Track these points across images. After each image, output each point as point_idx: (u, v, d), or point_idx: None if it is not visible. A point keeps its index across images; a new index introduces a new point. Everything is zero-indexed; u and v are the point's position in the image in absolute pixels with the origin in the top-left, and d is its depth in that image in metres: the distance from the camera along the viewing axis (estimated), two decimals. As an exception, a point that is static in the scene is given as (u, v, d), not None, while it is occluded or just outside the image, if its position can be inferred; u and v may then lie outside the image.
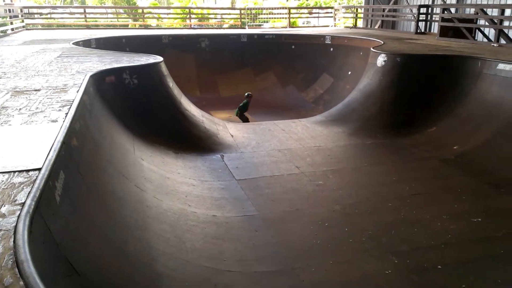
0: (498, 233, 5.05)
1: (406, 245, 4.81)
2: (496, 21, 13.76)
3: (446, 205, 5.78)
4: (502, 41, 13.46)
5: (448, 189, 6.30)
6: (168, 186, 5.81)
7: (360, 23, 22.56)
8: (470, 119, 8.33)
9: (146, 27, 22.50)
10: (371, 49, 10.82)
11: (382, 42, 12.32)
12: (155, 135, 7.13)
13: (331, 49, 15.38)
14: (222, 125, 9.11)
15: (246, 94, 12.19)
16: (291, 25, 23.43)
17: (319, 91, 14.91)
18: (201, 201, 5.67)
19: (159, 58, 8.57)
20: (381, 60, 9.97)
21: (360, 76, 10.97)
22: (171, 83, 8.56)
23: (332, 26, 23.19)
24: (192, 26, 22.59)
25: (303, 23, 30.75)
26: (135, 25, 23.73)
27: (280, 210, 5.65)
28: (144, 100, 7.52)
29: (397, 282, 4.17)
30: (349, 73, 14.01)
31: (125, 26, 23.64)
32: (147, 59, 8.42)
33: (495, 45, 12.83)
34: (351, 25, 22.71)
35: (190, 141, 7.64)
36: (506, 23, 15.17)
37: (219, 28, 22.83)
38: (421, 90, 9.24)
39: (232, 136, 8.62)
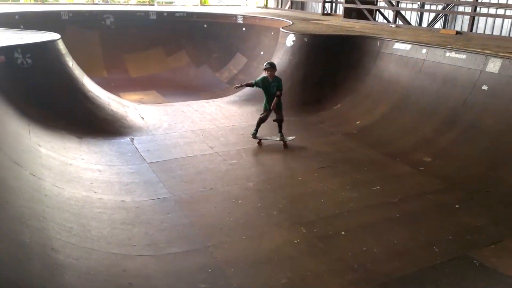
0: (394, 199, 5.54)
1: (314, 215, 5.07)
2: (394, 3, 14.86)
3: (349, 176, 6.19)
4: (400, 22, 14.60)
5: (351, 161, 6.75)
6: (71, 173, 5.43)
7: (271, 3, 22.88)
8: (371, 96, 8.96)
9: (43, 1, 20.47)
10: (281, 29, 11.03)
11: (291, 23, 12.63)
12: (54, 119, 6.59)
13: (243, 29, 15.40)
14: (131, 107, 8.71)
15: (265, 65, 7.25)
16: (202, 3, 22.98)
17: (233, 71, 14.90)
18: (108, 187, 5.39)
19: (56, 36, 7.86)
20: (290, 40, 10.23)
21: (272, 56, 11.16)
22: (71, 63, 7.92)
23: (243, 5, 23.20)
24: (95, 2, 21.04)
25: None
26: (29, -1, 21.48)
27: (193, 190, 5.60)
28: (40, 81, 6.87)
29: (305, 250, 4.40)
30: (262, 53, 14.18)
31: (17, 1, 21.25)
32: (42, 37, 7.68)
33: (393, 25, 13.86)
34: (262, 5, 22.94)
35: (95, 125, 7.19)
36: (403, 5, 16.46)
37: (126, 4, 21.56)
38: (327, 69, 9.69)
39: (142, 118, 8.30)
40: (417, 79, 8.35)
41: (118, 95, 9.85)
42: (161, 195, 5.39)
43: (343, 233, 4.72)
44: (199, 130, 7.97)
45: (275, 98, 7.04)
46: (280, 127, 7.35)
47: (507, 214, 5.11)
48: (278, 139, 7.29)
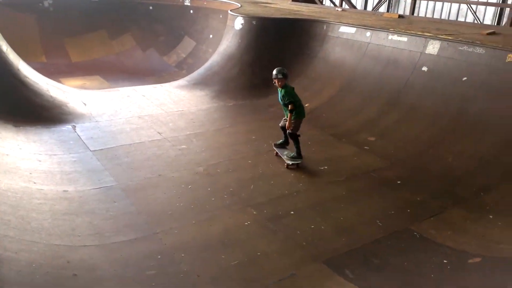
0: (341, 178, 5.72)
1: (264, 197, 5.13)
2: (339, -12, 15.11)
3: (298, 157, 6.30)
4: (346, 6, 14.90)
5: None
6: (7, 163, 5.10)
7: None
8: (319, 78, 9.11)
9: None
10: (229, 11, 10.89)
11: (240, 5, 12.49)
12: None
13: (191, 11, 15.05)
14: (72, 93, 8.28)
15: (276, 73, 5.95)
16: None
17: (181, 55, 14.58)
18: (49, 177, 5.13)
19: (-16, 17, 7.26)
20: (238, 23, 10.13)
21: (221, 39, 11.02)
22: (5, 47, 7.38)
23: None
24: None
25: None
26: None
27: (140, 177, 5.46)
28: (-33, 67, 6.35)
29: (255, 231, 4.45)
30: (211, 36, 13.98)
31: None
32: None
33: (339, 9, 14.12)
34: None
35: (33, 112, 6.78)
36: (348, -10, 16.75)
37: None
38: (276, 52, 9.71)
39: (85, 104, 7.92)
40: (362, 61, 8.59)
41: (58, 81, 9.35)
42: (107, 184, 5.20)
43: (292, 213, 4.82)
44: (146, 115, 7.75)
45: (289, 114, 5.90)
46: (286, 140, 6.41)
47: (444, 189, 5.43)
48: (284, 157, 6.11)
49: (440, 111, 6.84)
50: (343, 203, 5.09)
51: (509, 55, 6.38)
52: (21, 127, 6.36)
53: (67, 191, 4.86)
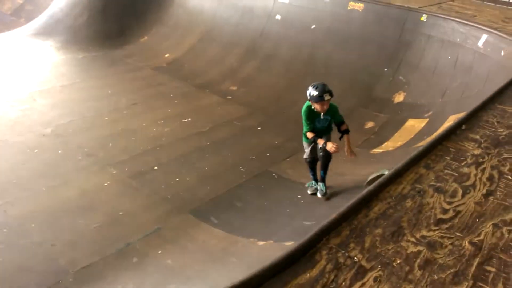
0: (205, 128, 5.74)
1: (125, 155, 4.89)
2: None
3: (160, 111, 6.11)
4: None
5: (162, 96, 6.64)
6: None
7: None
8: (178, 27, 8.78)
9: None
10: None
11: None
12: None
13: None
14: None
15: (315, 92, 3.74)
16: None
17: (17, 1, 12.47)
18: None
19: None
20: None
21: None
22: None
23: None
24: None
25: None
26: None
27: (-27, 145, 4.68)
28: None
29: (116, 190, 4.26)
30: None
31: None
32: None
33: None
34: None
35: None
36: None
37: None
38: (130, -1, 8.99)
39: None
40: (219, 10, 8.52)
41: None
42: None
43: (156, 168, 4.71)
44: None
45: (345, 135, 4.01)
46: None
47: (298, 131, 5.86)
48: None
49: (294, 58, 7.26)
50: (207, 153, 5.15)
51: (350, 3, 6.99)
52: None
53: None
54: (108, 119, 5.69)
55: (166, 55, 8.12)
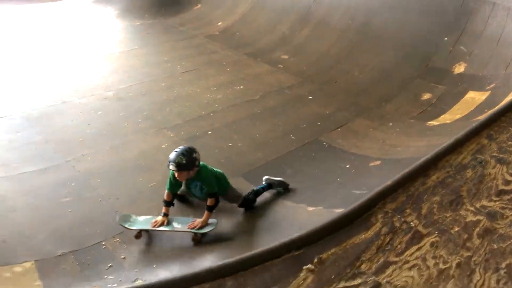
0: (256, 96, 5.80)
1: (180, 119, 5.07)
2: None
3: (213, 78, 6.24)
4: None
5: (214, 63, 6.75)
6: None
7: None
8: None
9: None
10: None
11: None
12: None
13: None
14: None
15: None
16: None
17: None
18: None
19: None
20: None
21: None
22: None
23: None
24: None
25: None
26: None
27: (43, 105, 5.04)
28: None
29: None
30: None
31: None
32: None
33: None
34: None
35: None
36: None
37: None
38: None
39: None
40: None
41: None
42: (5, 114, 4.73)
43: (209, 132, 4.86)
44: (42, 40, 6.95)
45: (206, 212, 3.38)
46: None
47: (349, 101, 5.80)
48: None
49: (347, 26, 7.07)
50: (258, 120, 5.23)
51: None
52: None
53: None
54: (165, 84, 5.89)
55: (219, 23, 8.17)
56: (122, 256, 3.12)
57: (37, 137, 4.42)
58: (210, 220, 3.30)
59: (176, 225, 3.34)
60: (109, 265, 3.04)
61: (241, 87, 6.05)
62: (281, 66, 6.79)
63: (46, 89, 5.37)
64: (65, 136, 4.52)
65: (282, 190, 3.83)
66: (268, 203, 3.72)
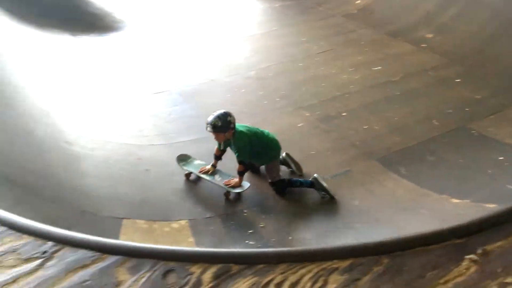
0: (395, 78, 5.55)
1: (315, 99, 5.15)
2: None
3: (350, 58, 6.13)
4: None
5: (352, 43, 6.61)
6: (71, 70, 5.39)
7: None
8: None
9: None
10: None
11: None
12: (43, 16, 6.31)
13: None
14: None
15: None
16: None
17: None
18: (114, 80, 5.41)
19: None
20: None
21: None
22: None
23: None
24: None
25: None
26: None
27: (195, 82, 5.61)
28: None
29: (308, 131, 4.58)
30: None
31: None
32: None
33: None
34: None
35: (87, 21, 6.90)
36: None
37: None
38: None
39: (128, 12, 7.91)
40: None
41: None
42: (164, 89, 5.40)
43: (344, 114, 4.85)
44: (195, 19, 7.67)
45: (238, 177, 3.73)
46: None
47: (505, 86, 5.15)
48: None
49: (500, 5, 6.22)
50: (397, 103, 5.01)
51: None
52: (77, 36, 6.56)
53: (132, 94, 5.15)
54: (302, 65, 6.02)
55: (357, 1, 7.93)
56: (261, 225, 3.38)
57: (190, 111, 4.97)
58: (244, 183, 3.65)
59: (217, 178, 3.77)
60: (250, 231, 3.32)
61: (380, 67, 5.84)
62: (424, 45, 6.33)
63: (198, 69, 5.95)
64: (213, 111, 4.97)
65: (323, 196, 3.63)
66: (407, 190, 3.60)
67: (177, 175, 3.91)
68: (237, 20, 7.70)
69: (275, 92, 5.35)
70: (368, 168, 3.99)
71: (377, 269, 1.19)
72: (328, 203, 3.57)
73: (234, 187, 3.63)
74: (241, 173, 3.66)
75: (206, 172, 3.79)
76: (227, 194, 3.67)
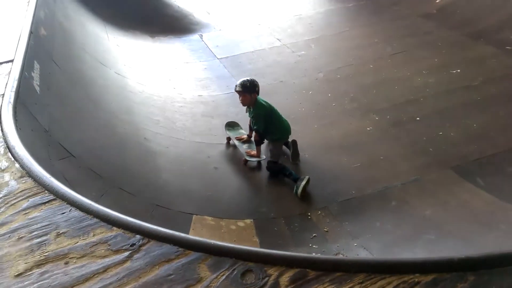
0: (475, 82, 5.22)
1: (386, 103, 5.00)
2: None
3: (426, 60, 5.86)
4: None
5: (428, 44, 6.30)
6: (149, 71, 5.74)
7: None
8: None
9: None
10: None
11: None
12: (127, 19, 6.79)
13: None
14: (196, 1, 8.62)
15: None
16: None
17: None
18: (185, 83, 5.68)
19: None
20: None
21: None
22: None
23: None
24: None
25: None
26: None
27: (264, 83, 5.66)
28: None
29: (377, 136, 4.46)
30: None
31: None
32: None
33: None
34: None
35: (165, 23, 7.30)
36: None
37: None
38: None
39: (208, 13, 8.22)
40: None
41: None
42: (232, 90, 5.55)
43: (418, 118, 4.65)
44: (265, 22, 7.77)
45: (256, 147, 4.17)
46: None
47: None
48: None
49: None
50: (476, 109, 4.72)
51: None
52: (156, 37, 6.97)
53: (202, 95, 5.37)
54: (373, 67, 5.86)
55: (437, 0, 7.54)
56: (325, 229, 3.37)
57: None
58: (261, 155, 4.10)
59: (245, 146, 4.26)
60: (314, 235, 3.33)
61: (458, 71, 5.52)
62: (509, 48, 5.87)
63: (267, 70, 6.03)
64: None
65: (295, 190, 3.78)
66: (485, 202, 3.39)
67: (244, 174, 4.02)
68: (306, 20, 7.68)
69: (344, 94, 5.27)
70: (441, 177, 3.80)
71: (462, 286, 1.15)
72: (397, 212, 3.47)
73: (252, 156, 4.11)
74: (257, 142, 4.09)
75: (240, 139, 4.32)
76: (244, 161, 4.13)
